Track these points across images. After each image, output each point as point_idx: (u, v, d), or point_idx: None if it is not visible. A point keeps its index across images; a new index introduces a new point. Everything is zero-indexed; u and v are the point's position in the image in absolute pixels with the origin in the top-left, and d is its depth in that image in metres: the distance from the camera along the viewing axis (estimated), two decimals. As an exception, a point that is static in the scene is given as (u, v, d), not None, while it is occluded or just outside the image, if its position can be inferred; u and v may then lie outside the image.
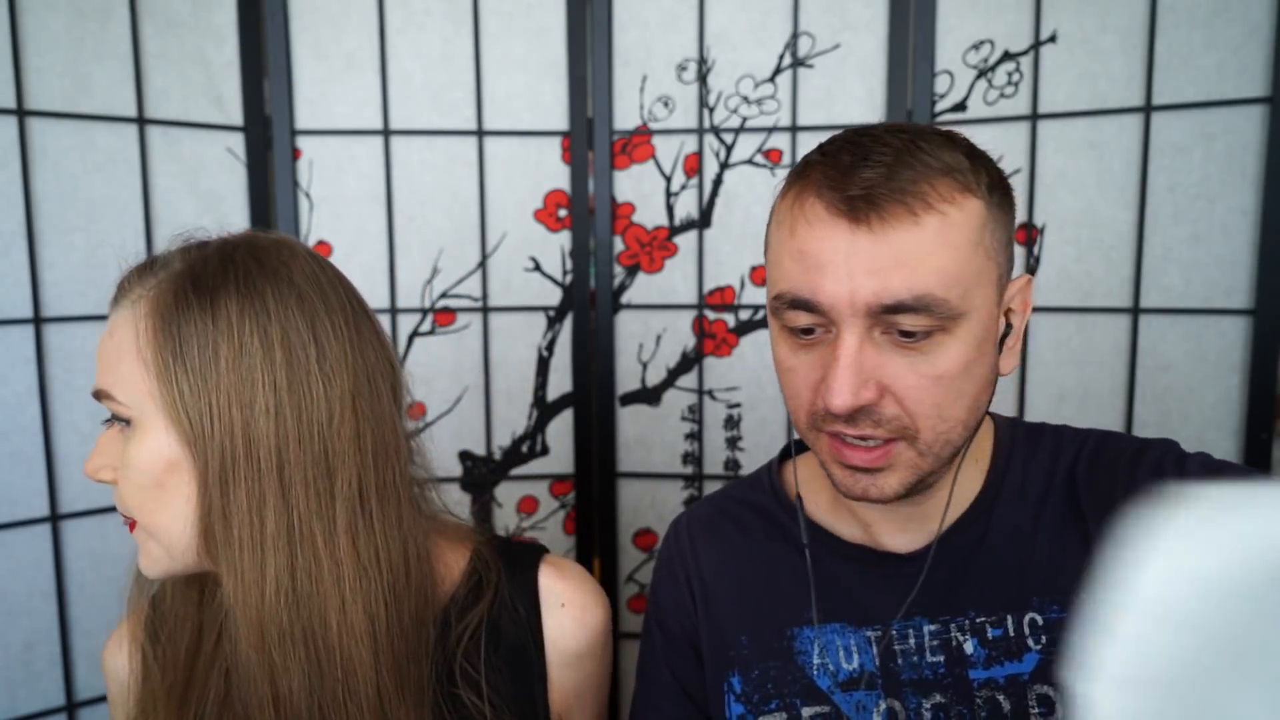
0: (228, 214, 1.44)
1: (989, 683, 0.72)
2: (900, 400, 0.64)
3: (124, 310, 0.68)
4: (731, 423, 1.55)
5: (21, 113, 1.27)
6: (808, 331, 0.66)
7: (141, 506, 0.67)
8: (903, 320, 0.62)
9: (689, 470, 1.56)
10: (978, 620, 0.72)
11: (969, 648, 0.72)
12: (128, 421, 0.67)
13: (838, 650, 0.76)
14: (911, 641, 0.73)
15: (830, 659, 0.76)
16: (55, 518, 1.32)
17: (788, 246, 0.66)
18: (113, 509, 1.36)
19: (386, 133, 1.49)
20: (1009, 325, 0.70)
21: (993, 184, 0.66)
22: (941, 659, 0.73)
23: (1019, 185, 1.42)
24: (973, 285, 0.64)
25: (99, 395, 0.68)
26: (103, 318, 1.34)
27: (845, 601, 0.76)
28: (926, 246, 0.62)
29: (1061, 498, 0.74)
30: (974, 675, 0.72)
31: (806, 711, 0.75)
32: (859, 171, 0.63)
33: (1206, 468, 0.70)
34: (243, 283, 0.65)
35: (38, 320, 1.30)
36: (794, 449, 0.84)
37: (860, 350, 0.63)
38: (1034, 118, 1.40)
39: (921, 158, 0.63)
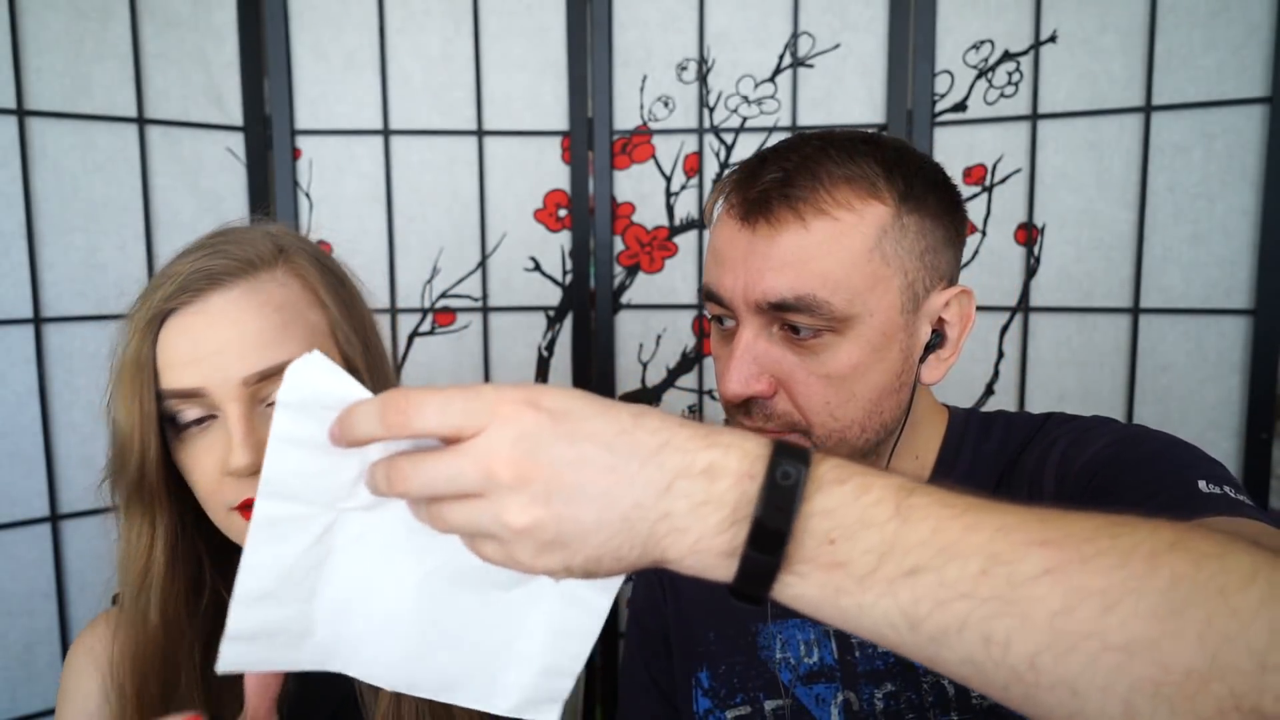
0: (228, 214, 1.44)
1: None
2: (792, 395, 0.68)
3: (269, 285, 0.70)
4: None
5: (21, 113, 1.27)
6: (722, 321, 0.72)
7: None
8: (790, 318, 0.66)
9: (689, 470, 1.56)
10: None
11: None
12: None
13: (798, 645, 0.78)
14: None
15: (791, 653, 0.78)
16: (55, 518, 1.32)
17: (710, 243, 0.73)
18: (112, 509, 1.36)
19: (386, 133, 1.49)
20: (940, 335, 0.71)
21: (909, 192, 0.67)
22: None
23: (1019, 185, 1.42)
24: (864, 290, 0.66)
25: (273, 373, 0.67)
26: (102, 317, 1.34)
27: None
28: (811, 250, 0.65)
29: (1010, 486, 0.75)
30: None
31: (769, 705, 0.77)
32: (761, 177, 0.67)
33: (1091, 428, 0.71)
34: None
35: (38, 320, 1.30)
36: None
37: (755, 343, 0.67)
38: (1034, 118, 1.40)
39: (825, 165, 0.66)
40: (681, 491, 0.40)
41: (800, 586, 0.40)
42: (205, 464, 0.68)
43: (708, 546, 0.40)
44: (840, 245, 0.65)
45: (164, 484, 0.70)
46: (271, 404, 0.67)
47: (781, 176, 0.66)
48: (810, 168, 0.66)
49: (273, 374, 0.67)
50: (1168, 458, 0.65)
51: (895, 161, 0.68)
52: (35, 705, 1.33)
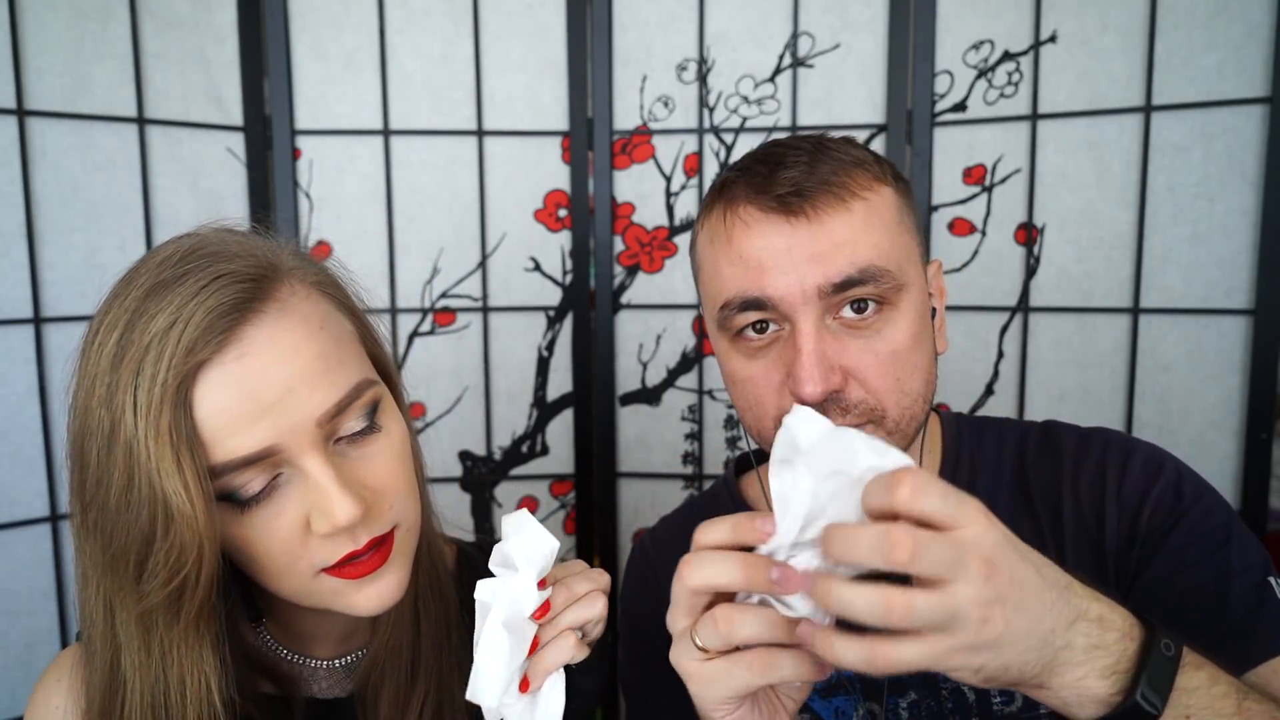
0: (228, 214, 1.43)
1: None
2: (863, 382, 0.67)
3: (294, 300, 0.59)
4: (731, 423, 1.55)
5: (21, 113, 1.27)
6: (761, 330, 0.68)
7: (417, 500, 0.64)
8: (855, 293, 0.66)
9: (689, 470, 1.56)
10: None
11: None
12: (374, 425, 0.60)
13: None
14: None
15: None
16: (55, 518, 1.32)
17: (726, 254, 0.69)
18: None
19: (386, 133, 1.49)
20: (933, 308, 0.74)
21: (896, 175, 0.72)
22: None
23: (1019, 185, 1.42)
24: (904, 259, 0.69)
25: (345, 404, 0.58)
26: (103, 318, 1.34)
27: None
28: (859, 227, 0.67)
29: (1013, 490, 0.76)
30: None
31: None
32: (781, 173, 0.67)
33: (1147, 463, 0.72)
34: None
35: (38, 320, 1.30)
36: (755, 459, 0.86)
37: (819, 337, 0.66)
38: (1034, 118, 1.40)
39: (833, 154, 0.69)
40: (1081, 630, 0.46)
41: None
42: (278, 532, 0.56)
43: (1090, 686, 0.46)
44: (879, 219, 0.68)
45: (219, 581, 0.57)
46: (340, 440, 0.57)
47: (806, 169, 0.67)
48: (825, 159, 0.68)
49: (345, 405, 0.57)
50: (1234, 547, 0.69)
51: (874, 153, 0.73)
52: (35, 705, 1.33)
